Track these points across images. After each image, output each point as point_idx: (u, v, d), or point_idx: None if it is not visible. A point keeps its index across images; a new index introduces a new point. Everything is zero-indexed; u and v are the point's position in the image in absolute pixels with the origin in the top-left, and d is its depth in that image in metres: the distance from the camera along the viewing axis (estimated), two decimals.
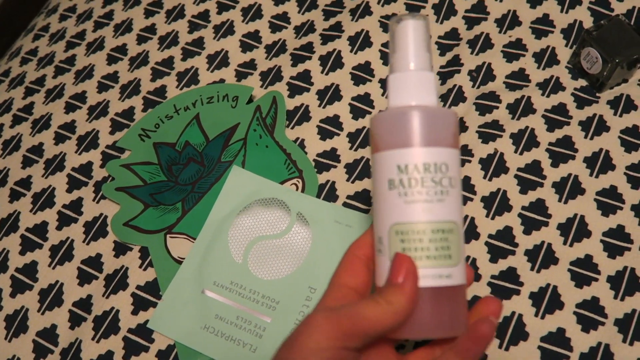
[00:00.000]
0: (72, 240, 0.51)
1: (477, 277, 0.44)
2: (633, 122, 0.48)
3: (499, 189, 0.47)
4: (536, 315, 0.42)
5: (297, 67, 0.56)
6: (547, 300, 0.42)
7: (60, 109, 0.58)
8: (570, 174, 0.47)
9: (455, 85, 0.53)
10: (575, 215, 0.45)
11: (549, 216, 0.45)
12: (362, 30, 0.57)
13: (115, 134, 0.56)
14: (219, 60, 0.58)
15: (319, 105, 0.54)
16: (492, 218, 0.46)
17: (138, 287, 0.47)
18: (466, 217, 0.46)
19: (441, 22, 0.56)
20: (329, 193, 0.49)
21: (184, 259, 0.47)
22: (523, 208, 0.46)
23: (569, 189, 0.46)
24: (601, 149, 0.48)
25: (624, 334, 0.41)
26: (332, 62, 0.56)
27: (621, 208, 0.45)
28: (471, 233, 0.46)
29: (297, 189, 0.49)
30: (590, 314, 0.42)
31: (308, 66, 0.56)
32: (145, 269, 0.48)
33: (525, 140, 0.49)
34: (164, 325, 0.45)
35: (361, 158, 0.50)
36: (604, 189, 0.46)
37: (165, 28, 0.62)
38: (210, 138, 0.53)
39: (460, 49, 0.55)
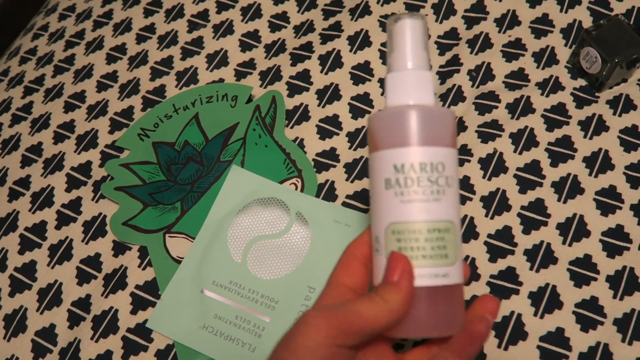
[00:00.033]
0: (71, 240, 0.51)
1: (477, 277, 0.44)
2: (632, 121, 0.48)
3: (498, 189, 0.47)
4: (535, 314, 0.42)
5: (297, 66, 0.56)
6: (546, 300, 0.42)
7: (60, 109, 0.58)
8: (569, 174, 0.47)
9: (454, 85, 0.52)
10: (575, 215, 0.45)
11: (548, 216, 0.45)
12: (362, 29, 0.57)
13: (114, 133, 0.56)
14: (218, 59, 0.58)
15: (319, 105, 0.54)
16: (492, 218, 0.46)
17: (137, 287, 0.47)
18: (465, 216, 0.46)
19: (440, 22, 0.56)
20: (328, 193, 0.49)
21: (183, 258, 0.47)
22: (522, 208, 0.46)
23: (568, 188, 0.46)
24: (600, 149, 0.47)
25: (623, 333, 0.41)
26: (332, 61, 0.56)
27: (620, 208, 0.45)
28: (470, 233, 0.46)
29: (296, 189, 0.49)
30: (589, 314, 0.42)
31: (307, 66, 0.56)
32: (144, 269, 0.48)
33: (524, 140, 0.49)
34: (163, 324, 0.45)
35: (360, 158, 0.50)
36: (603, 188, 0.46)
37: (164, 27, 0.62)
38: (209, 137, 0.53)
39: (460, 49, 0.54)
